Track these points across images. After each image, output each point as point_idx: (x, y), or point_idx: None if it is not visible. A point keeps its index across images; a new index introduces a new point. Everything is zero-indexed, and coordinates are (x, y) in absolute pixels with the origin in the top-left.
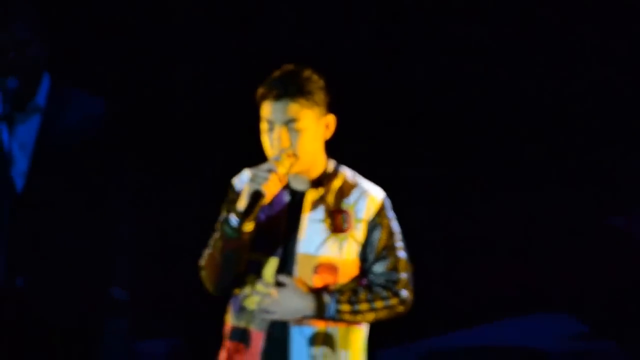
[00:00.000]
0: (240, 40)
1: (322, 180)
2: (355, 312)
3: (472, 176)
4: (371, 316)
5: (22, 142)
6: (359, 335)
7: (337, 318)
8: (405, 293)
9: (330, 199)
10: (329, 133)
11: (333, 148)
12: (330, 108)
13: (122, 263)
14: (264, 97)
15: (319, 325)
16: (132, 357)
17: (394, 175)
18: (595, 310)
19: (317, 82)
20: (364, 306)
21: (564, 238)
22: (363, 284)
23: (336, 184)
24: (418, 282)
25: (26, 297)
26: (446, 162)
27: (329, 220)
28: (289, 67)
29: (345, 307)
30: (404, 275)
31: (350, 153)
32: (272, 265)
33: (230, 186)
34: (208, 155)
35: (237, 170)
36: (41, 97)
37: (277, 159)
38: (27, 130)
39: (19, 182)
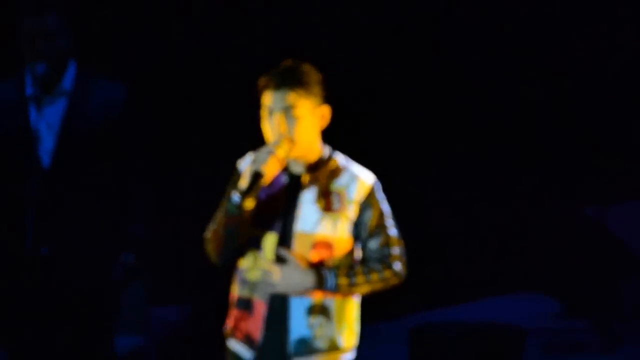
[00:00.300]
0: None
1: (317, 165)
2: (352, 285)
3: (460, 164)
4: (367, 288)
5: (49, 122)
6: (353, 306)
7: (335, 291)
8: (398, 266)
9: (324, 181)
10: (324, 122)
11: (328, 135)
12: (326, 100)
13: (137, 233)
14: (265, 87)
15: (317, 297)
16: (147, 322)
17: (385, 161)
18: (570, 291)
19: (314, 76)
20: (360, 279)
21: (545, 226)
22: (358, 259)
23: (330, 168)
24: (411, 263)
25: (50, 264)
26: (436, 150)
27: (322, 201)
28: (289, 61)
29: (343, 281)
30: (396, 250)
31: (342, 140)
32: (271, 241)
33: (234, 167)
34: (218, 137)
35: (245, 151)
36: (67, 81)
37: (276, 144)
38: (54, 111)
39: (46, 159)
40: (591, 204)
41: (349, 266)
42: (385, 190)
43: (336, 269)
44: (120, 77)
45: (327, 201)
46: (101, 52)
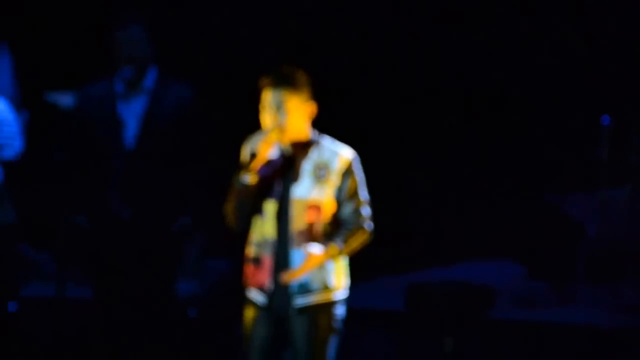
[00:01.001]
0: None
1: (307, 145)
2: (342, 254)
3: (439, 146)
4: (349, 251)
5: (134, 113)
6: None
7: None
8: (369, 225)
9: (313, 157)
10: (311, 115)
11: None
12: (312, 98)
13: (196, 201)
14: (264, 85)
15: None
16: (203, 272)
17: (370, 140)
18: (532, 258)
19: (302, 78)
20: (345, 250)
21: (514, 207)
22: (341, 226)
23: (317, 147)
24: (401, 230)
25: (130, 224)
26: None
27: (312, 173)
28: (284, 66)
29: (336, 252)
30: (366, 211)
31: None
32: (272, 208)
33: (242, 149)
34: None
35: None
36: (149, 82)
37: (269, 131)
38: (138, 105)
39: (130, 142)
40: (552, 193)
41: (337, 239)
42: (366, 165)
43: (329, 246)
44: (188, 80)
45: (317, 172)
46: (175, 59)
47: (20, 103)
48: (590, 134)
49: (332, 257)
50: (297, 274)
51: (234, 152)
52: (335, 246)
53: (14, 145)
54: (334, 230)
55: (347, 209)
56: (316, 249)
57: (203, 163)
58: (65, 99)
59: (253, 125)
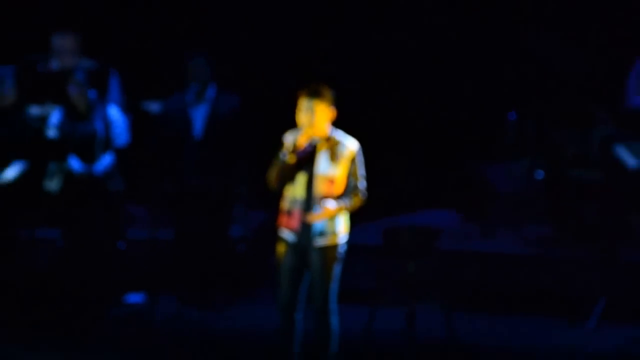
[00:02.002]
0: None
1: (327, 138)
2: (346, 210)
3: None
4: (350, 209)
5: (200, 115)
6: (343, 213)
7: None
8: (364, 194)
9: (330, 146)
10: (332, 117)
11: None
12: (334, 105)
13: (243, 173)
14: (301, 96)
15: (325, 209)
16: (247, 220)
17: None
18: (465, 209)
19: (327, 92)
20: (348, 208)
21: (454, 175)
22: (347, 193)
23: (333, 139)
24: (381, 192)
25: (200, 190)
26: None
27: (330, 156)
28: (314, 84)
29: (342, 209)
30: (362, 185)
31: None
32: (303, 178)
33: (282, 139)
34: (286, 123)
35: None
36: (209, 94)
37: (303, 127)
38: (203, 110)
39: (197, 135)
40: (478, 165)
41: (345, 200)
42: (363, 151)
43: (340, 202)
44: (236, 92)
45: (332, 157)
46: (228, 77)
47: (126, 109)
48: (502, 124)
49: (340, 211)
50: (317, 218)
51: (268, 141)
52: (343, 205)
53: (122, 138)
54: (342, 195)
55: (352, 183)
56: (330, 204)
57: (246, 147)
58: (154, 107)
59: (280, 123)
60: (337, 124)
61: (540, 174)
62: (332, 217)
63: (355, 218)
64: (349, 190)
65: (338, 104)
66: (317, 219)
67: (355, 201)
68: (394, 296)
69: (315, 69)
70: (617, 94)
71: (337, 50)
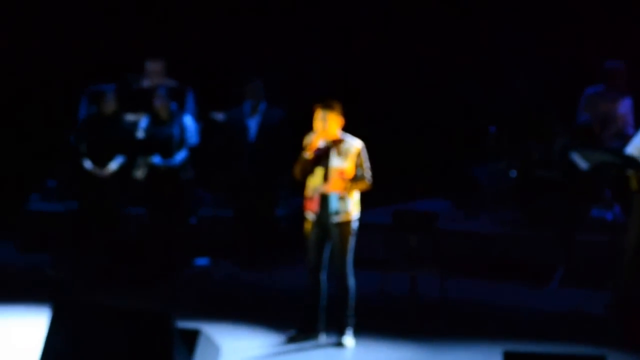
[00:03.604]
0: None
1: (338, 141)
2: (353, 188)
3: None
4: (360, 189)
5: (254, 124)
6: (355, 195)
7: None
8: (369, 180)
9: (340, 145)
10: (341, 124)
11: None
12: (342, 115)
13: (285, 167)
14: (317, 108)
15: (341, 193)
16: (288, 203)
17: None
18: (456, 197)
19: (337, 105)
20: (355, 186)
21: (448, 172)
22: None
23: (343, 141)
24: (393, 179)
25: (254, 181)
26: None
27: (340, 154)
28: (328, 99)
29: (349, 185)
30: (368, 174)
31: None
32: (320, 171)
33: (304, 140)
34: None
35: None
36: (261, 107)
37: (318, 131)
38: (256, 120)
39: (252, 138)
40: (467, 166)
41: (355, 181)
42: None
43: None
44: (281, 107)
45: (342, 154)
46: (275, 95)
47: (197, 118)
48: (485, 135)
49: (350, 186)
50: (330, 189)
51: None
52: (350, 183)
53: (194, 139)
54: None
55: (359, 173)
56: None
57: (287, 148)
58: (219, 116)
59: (308, 129)
60: (357, 130)
61: (513, 173)
62: (344, 198)
63: (370, 203)
64: (358, 177)
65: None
66: (331, 190)
67: (363, 183)
68: (400, 264)
69: (340, 86)
70: (571, 114)
71: (358, 71)
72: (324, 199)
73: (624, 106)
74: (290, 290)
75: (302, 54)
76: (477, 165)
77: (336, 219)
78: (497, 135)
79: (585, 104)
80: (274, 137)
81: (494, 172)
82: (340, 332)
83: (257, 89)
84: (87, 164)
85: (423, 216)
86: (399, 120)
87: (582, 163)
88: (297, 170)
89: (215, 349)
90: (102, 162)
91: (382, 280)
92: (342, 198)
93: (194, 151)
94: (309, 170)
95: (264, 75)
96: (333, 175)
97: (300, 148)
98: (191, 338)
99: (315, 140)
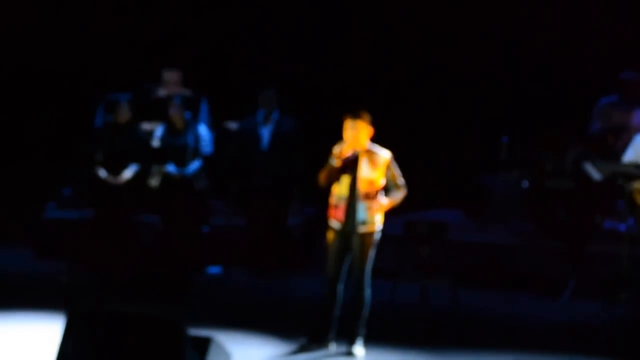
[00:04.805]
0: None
1: (366, 150)
2: (395, 203)
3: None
4: (400, 199)
5: (267, 132)
6: (381, 207)
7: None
8: (405, 187)
9: (369, 155)
10: (370, 134)
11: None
12: (371, 125)
13: (297, 174)
14: (347, 117)
15: (368, 204)
16: (300, 213)
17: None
18: (467, 208)
19: (366, 115)
20: (398, 199)
21: (460, 183)
22: (392, 190)
23: (371, 151)
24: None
25: (266, 187)
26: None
27: (369, 164)
28: (357, 110)
29: (393, 203)
30: (401, 181)
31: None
32: (347, 180)
33: (333, 149)
34: (333, 137)
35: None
36: (274, 116)
37: (347, 141)
38: (269, 128)
39: (265, 146)
40: (478, 175)
41: (393, 194)
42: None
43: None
44: (293, 116)
45: (371, 164)
46: (288, 105)
47: (211, 127)
48: (498, 146)
49: (391, 204)
50: (380, 209)
51: (316, 151)
52: (394, 199)
53: (208, 148)
54: (381, 192)
55: (392, 182)
56: (383, 199)
57: (299, 156)
58: (233, 125)
59: (326, 138)
60: (375, 140)
61: (525, 184)
62: (371, 209)
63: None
64: (391, 188)
65: (380, 127)
66: (379, 210)
67: (402, 192)
68: (411, 275)
69: (353, 98)
70: (584, 126)
71: (371, 83)
72: (351, 208)
73: (638, 117)
74: (301, 298)
75: (314, 63)
76: (488, 175)
77: (362, 229)
78: (509, 145)
79: (599, 114)
80: (287, 146)
81: (506, 182)
82: (351, 342)
83: (270, 98)
84: (102, 173)
85: (434, 226)
86: (410, 130)
87: (595, 174)
88: (323, 177)
89: (226, 357)
90: (116, 170)
91: (392, 290)
92: (369, 208)
93: (207, 160)
94: (335, 178)
95: (276, 84)
96: (361, 184)
97: (314, 157)
98: (203, 345)
99: (345, 149)
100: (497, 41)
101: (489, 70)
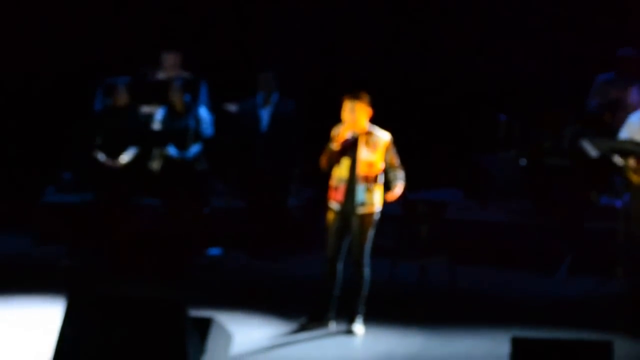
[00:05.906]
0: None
1: (366, 132)
2: (400, 187)
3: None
4: (403, 180)
5: (267, 114)
6: (381, 188)
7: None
8: (402, 171)
9: (368, 138)
10: (369, 115)
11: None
12: (370, 106)
13: (297, 159)
14: (346, 99)
15: (367, 185)
16: (300, 194)
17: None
18: (467, 187)
19: (365, 96)
20: (399, 188)
21: (460, 162)
22: (393, 172)
23: (371, 132)
24: (405, 169)
25: (265, 170)
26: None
27: (368, 146)
28: (356, 90)
29: (400, 188)
30: (398, 163)
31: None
32: (347, 162)
33: (332, 132)
34: (331, 120)
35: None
36: (274, 99)
37: (346, 123)
38: (268, 110)
39: (264, 128)
40: (477, 154)
41: (399, 178)
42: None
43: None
44: (291, 97)
45: (371, 146)
46: (287, 87)
47: (211, 110)
48: (496, 124)
49: (400, 189)
50: (393, 198)
51: (316, 134)
52: (402, 182)
53: (208, 131)
54: (380, 174)
55: (389, 166)
56: (398, 189)
57: (299, 139)
58: (232, 108)
59: (325, 119)
60: (374, 121)
61: (523, 162)
62: (370, 190)
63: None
64: (391, 170)
65: (378, 108)
66: (393, 198)
67: (403, 174)
68: (410, 253)
69: (352, 79)
70: (582, 102)
71: (371, 68)
72: (350, 189)
73: (635, 94)
74: (301, 279)
75: (313, 46)
76: (486, 154)
77: (361, 210)
78: (507, 123)
79: (596, 91)
80: (286, 128)
81: (504, 160)
82: (351, 320)
83: (270, 80)
84: (100, 156)
85: (433, 205)
86: (408, 110)
87: (592, 151)
88: (324, 160)
89: (227, 337)
90: (116, 153)
91: (391, 269)
92: (368, 190)
93: (208, 142)
94: (335, 160)
95: (276, 66)
96: (361, 166)
97: (313, 139)
98: (204, 326)
99: (344, 131)
100: (494, 19)
101: (486, 49)
